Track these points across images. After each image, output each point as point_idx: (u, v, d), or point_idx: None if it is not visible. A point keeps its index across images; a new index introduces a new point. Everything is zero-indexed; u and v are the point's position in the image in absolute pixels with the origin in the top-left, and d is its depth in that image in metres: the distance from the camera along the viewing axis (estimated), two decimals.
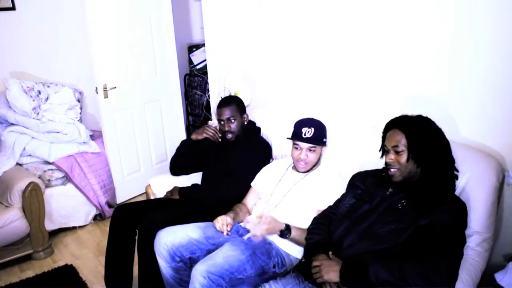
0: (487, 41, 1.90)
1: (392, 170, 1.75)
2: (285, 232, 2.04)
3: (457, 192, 1.84)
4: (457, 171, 1.80)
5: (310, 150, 2.20)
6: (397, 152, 1.73)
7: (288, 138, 2.26)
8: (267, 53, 2.99)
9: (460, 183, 1.85)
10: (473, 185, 1.84)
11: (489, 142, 1.99)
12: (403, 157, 1.72)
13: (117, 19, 3.50)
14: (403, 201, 1.74)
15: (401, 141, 1.72)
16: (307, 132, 2.18)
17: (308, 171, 2.25)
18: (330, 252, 1.78)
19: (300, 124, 2.22)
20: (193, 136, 2.77)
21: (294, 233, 2.04)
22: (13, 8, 3.55)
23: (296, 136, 2.21)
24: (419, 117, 1.78)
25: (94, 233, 3.44)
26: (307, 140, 2.18)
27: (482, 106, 1.99)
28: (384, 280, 1.56)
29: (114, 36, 3.51)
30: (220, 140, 2.72)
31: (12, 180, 3.00)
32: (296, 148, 2.23)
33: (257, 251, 2.01)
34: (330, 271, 1.68)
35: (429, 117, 1.78)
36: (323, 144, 2.23)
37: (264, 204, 2.27)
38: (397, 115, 1.82)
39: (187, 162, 2.81)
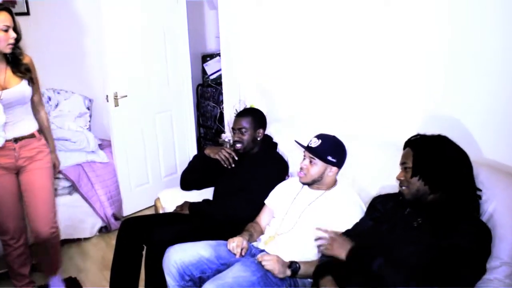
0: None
1: (402, 187, 1.75)
2: (294, 265, 1.93)
3: (484, 218, 1.75)
4: (480, 190, 1.73)
5: (311, 161, 2.14)
6: (405, 169, 1.74)
7: (295, 141, 2.26)
8: (285, 65, 2.94)
9: (488, 209, 1.76)
10: (502, 212, 1.74)
11: None
12: (410, 174, 1.71)
13: (131, 26, 3.47)
14: (419, 219, 1.71)
15: (409, 157, 1.72)
16: (314, 142, 2.15)
17: (322, 189, 2.17)
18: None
19: (316, 136, 2.19)
20: (206, 152, 2.72)
21: (302, 267, 1.93)
22: (27, 13, 3.53)
23: (305, 144, 2.18)
24: (433, 136, 1.75)
25: (99, 245, 3.37)
26: (307, 148, 2.15)
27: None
28: (386, 275, 1.57)
29: (127, 44, 3.47)
30: (233, 166, 2.65)
31: None
32: (304, 157, 2.19)
33: (269, 273, 1.92)
34: (340, 247, 1.71)
35: (447, 136, 1.73)
36: (326, 161, 2.13)
37: (278, 223, 2.18)
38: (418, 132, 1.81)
39: (199, 177, 2.74)
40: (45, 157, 2.50)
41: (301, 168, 2.17)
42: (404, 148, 1.79)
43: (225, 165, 2.64)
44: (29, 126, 2.45)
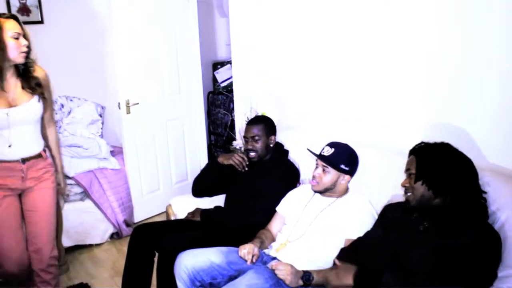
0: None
1: (407, 194, 1.77)
2: (306, 275, 1.86)
3: (496, 227, 1.71)
4: (484, 192, 1.73)
5: (324, 170, 2.14)
6: (409, 176, 1.76)
7: (307, 149, 2.25)
8: (296, 73, 2.93)
9: (501, 217, 1.73)
10: None
11: None
12: (414, 180, 1.73)
13: (143, 35, 3.50)
14: (425, 223, 1.72)
15: (413, 164, 1.75)
16: (326, 151, 2.14)
17: (334, 196, 2.16)
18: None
19: (328, 144, 2.19)
20: (220, 159, 2.71)
21: (316, 276, 1.88)
22: (41, 22, 3.58)
23: (318, 152, 2.17)
24: (436, 143, 1.77)
25: (111, 252, 3.37)
26: (320, 157, 2.14)
27: None
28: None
29: (140, 52, 3.50)
30: (246, 169, 2.64)
31: None
32: (316, 165, 2.19)
33: (281, 280, 1.88)
34: (344, 275, 1.73)
35: (450, 143, 1.75)
36: (338, 169, 2.13)
37: (290, 231, 2.18)
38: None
39: (211, 184, 2.74)
40: (51, 177, 2.38)
41: (313, 177, 2.17)
42: (409, 156, 1.82)
43: (239, 169, 2.64)
44: (38, 145, 2.32)
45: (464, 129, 2.05)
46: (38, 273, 2.37)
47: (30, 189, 2.31)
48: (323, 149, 2.17)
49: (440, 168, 1.70)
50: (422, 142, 1.81)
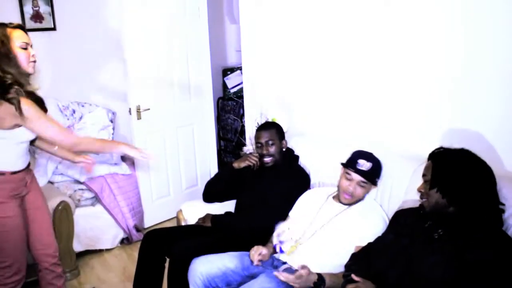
0: None
1: (422, 199, 1.75)
2: (319, 283, 1.85)
3: (510, 233, 1.70)
4: (503, 204, 1.69)
5: (361, 185, 2.09)
6: (425, 182, 1.73)
7: (342, 164, 2.16)
8: (307, 79, 2.93)
9: None
10: None
11: None
12: (429, 186, 1.70)
13: (155, 41, 3.52)
14: (439, 231, 1.69)
15: (429, 170, 1.73)
16: (364, 165, 2.08)
17: (350, 204, 2.14)
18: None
19: (359, 155, 2.13)
20: (235, 165, 2.68)
21: (328, 281, 1.87)
22: (54, 28, 3.62)
23: (352, 165, 2.10)
24: (456, 149, 1.72)
25: (121, 257, 3.38)
26: (361, 173, 2.07)
27: None
28: None
29: (151, 58, 3.52)
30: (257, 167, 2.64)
31: None
32: (347, 178, 2.12)
33: None
34: None
35: (470, 150, 1.70)
36: (375, 183, 2.13)
37: (301, 232, 2.16)
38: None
39: (223, 190, 2.72)
40: (34, 177, 2.39)
41: (348, 190, 2.10)
42: (427, 160, 1.79)
43: (254, 168, 2.63)
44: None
45: (481, 134, 2.03)
46: (51, 269, 2.40)
47: (29, 190, 2.31)
48: (357, 162, 2.10)
49: (456, 177, 1.66)
50: (441, 147, 1.77)
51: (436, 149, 1.78)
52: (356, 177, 2.08)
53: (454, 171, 1.67)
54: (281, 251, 2.16)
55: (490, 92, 1.99)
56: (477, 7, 1.97)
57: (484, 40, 1.97)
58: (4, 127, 2.01)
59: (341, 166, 2.17)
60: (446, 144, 1.78)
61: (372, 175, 2.09)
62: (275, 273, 1.81)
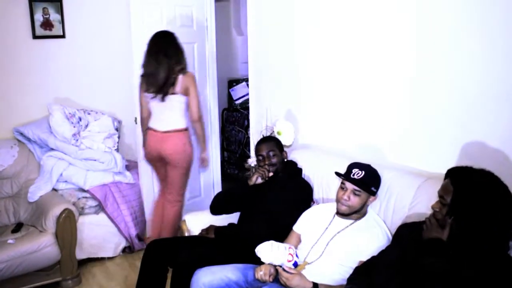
0: None
1: (435, 218, 1.67)
2: None
3: None
4: None
5: (355, 193, 2.09)
6: (442, 204, 1.65)
7: (335, 173, 2.19)
8: (313, 92, 2.94)
9: None
10: None
11: None
12: (445, 210, 1.63)
13: None
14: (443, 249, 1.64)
15: (449, 193, 1.63)
16: (357, 173, 2.09)
17: (353, 218, 2.14)
18: None
19: (353, 165, 2.14)
20: (250, 183, 2.64)
21: None
22: (63, 36, 3.66)
23: (345, 174, 2.13)
24: (478, 173, 1.63)
25: (123, 265, 3.38)
26: (353, 181, 2.08)
27: None
28: None
29: None
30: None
31: (48, 205, 3.01)
32: (342, 188, 2.13)
33: None
34: None
35: (493, 172, 1.62)
36: (370, 192, 2.12)
37: (307, 251, 2.16)
38: (447, 162, 1.79)
39: (236, 206, 2.71)
40: None
41: (341, 199, 2.11)
42: (445, 177, 1.70)
43: (265, 180, 2.60)
44: None
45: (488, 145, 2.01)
46: None
47: None
48: (351, 171, 2.11)
49: (479, 211, 1.57)
50: (462, 166, 1.68)
51: (458, 167, 1.70)
52: (349, 185, 2.10)
53: (478, 204, 1.57)
54: (282, 265, 2.13)
55: (499, 103, 1.96)
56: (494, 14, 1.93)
57: (492, 53, 1.97)
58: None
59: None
60: (451, 159, 1.75)
61: (365, 183, 2.09)
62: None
